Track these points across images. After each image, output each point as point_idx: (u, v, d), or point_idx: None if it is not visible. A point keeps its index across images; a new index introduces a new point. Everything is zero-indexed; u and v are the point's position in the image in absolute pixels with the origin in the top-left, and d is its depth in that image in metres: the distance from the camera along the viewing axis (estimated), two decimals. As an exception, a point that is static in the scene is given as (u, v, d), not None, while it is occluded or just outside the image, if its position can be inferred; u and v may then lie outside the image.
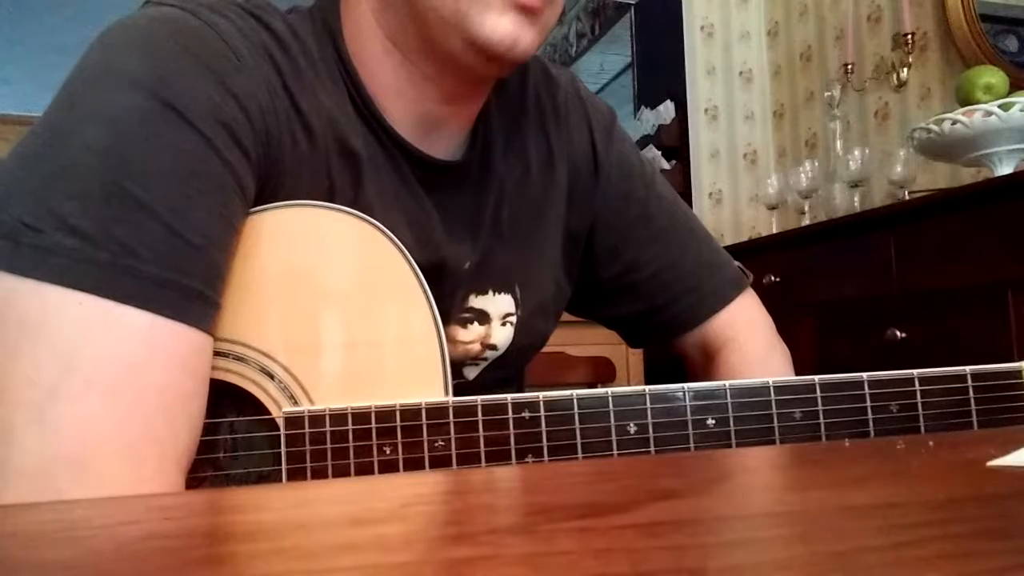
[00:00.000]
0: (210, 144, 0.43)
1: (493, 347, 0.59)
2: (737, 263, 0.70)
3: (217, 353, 0.44)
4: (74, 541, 0.22)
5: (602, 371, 1.86)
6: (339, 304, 0.47)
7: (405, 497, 0.28)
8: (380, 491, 0.31)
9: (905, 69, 1.96)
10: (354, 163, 0.51)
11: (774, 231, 2.12)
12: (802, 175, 2.05)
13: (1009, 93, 1.40)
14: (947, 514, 0.22)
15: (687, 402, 0.48)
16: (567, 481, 0.30)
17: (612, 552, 0.18)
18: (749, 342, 0.67)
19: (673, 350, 0.71)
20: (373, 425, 0.45)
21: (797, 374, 0.68)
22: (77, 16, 4.01)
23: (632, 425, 0.48)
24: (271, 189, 0.48)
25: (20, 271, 0.37)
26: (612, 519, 0.22)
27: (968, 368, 0.51)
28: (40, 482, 0.35)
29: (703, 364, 0.69)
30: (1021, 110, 1.31)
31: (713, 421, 0.49)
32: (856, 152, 1.90)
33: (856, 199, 1.93)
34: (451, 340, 0.56)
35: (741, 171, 2.54)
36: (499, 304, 0.59)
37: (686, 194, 2.52)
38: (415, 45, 0.51)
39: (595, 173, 0.65)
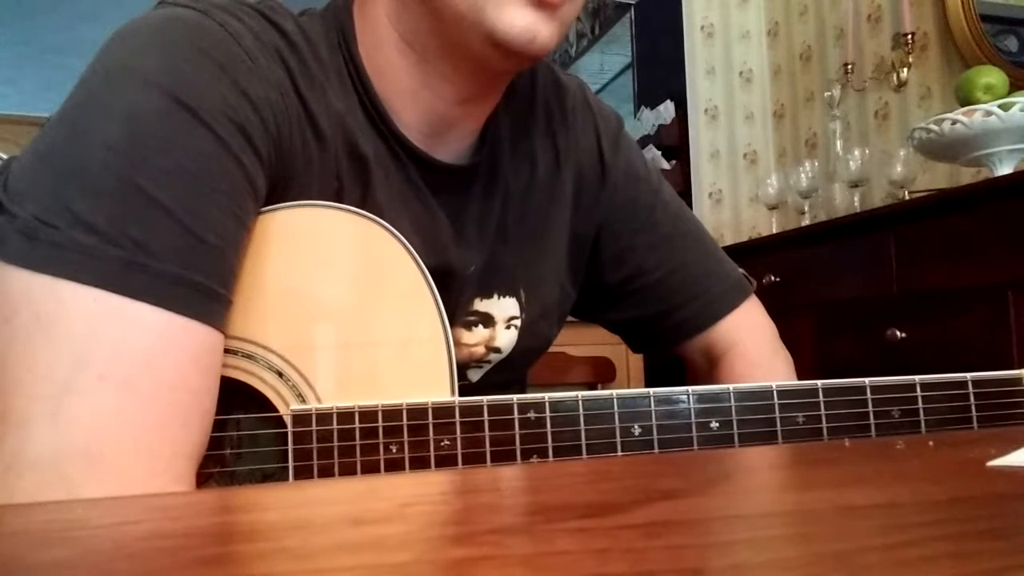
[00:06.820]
0: (224, 144, 0.43)
1: (497, 350, 0.60)
2: (741, 270, 0.70)
3: (227, 351, 0.45)
4: (74, 541, 0.22)
5: (602, 371, 1.86)
6: (347, 304, 0.47)
7: (405, 497, 0.28)
8: (380, 491, 0.31)
9: (905, 69, 1.96)
10: (363, 165, 0.51)
11: (774, 231, 2.12)
12: (802, 175, 2.04)
13: (1009, 93, 1.40)
14: (947, 514, 0.22)
15: (691, 405, 0.49)
16: (567, 481, 0.30)
17: (612, 552, 0.18)
18: (752, 348, 0.67)
19: (676, 354, 0.71)
20: (380, 424, 0.45)
21: (797, 374, 0.68)
22: (77, 16, 4.01)
23: (636, 427, 0.48)
24: (281, 189, 0.48)
25: (35, 267, 0.38)
26: (612, 519, 0.22)
27: (969, 375, 0.52)
28: (53, 474, 0.36)
29: (706, 369, 0.69)
30: (1021, 110, 1.30)
31: (717, 424, 0.49)
32: (856, 152, 1.90)
33: (856, 199, 1.93)
34: (456, 343, 0.56)
35: (741, 171, 2.54)
36: (504, 307, 0.60)
37: (686, 194, 2.52)
38: (431, 44, 0.51)
39: (601, 179, 0.65)
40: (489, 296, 0.59)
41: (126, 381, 0.37)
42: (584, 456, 0.47)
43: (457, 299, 0.57)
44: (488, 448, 0.46)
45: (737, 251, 1.57)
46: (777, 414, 0.49)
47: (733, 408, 0.49)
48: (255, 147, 0.45)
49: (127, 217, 0.39)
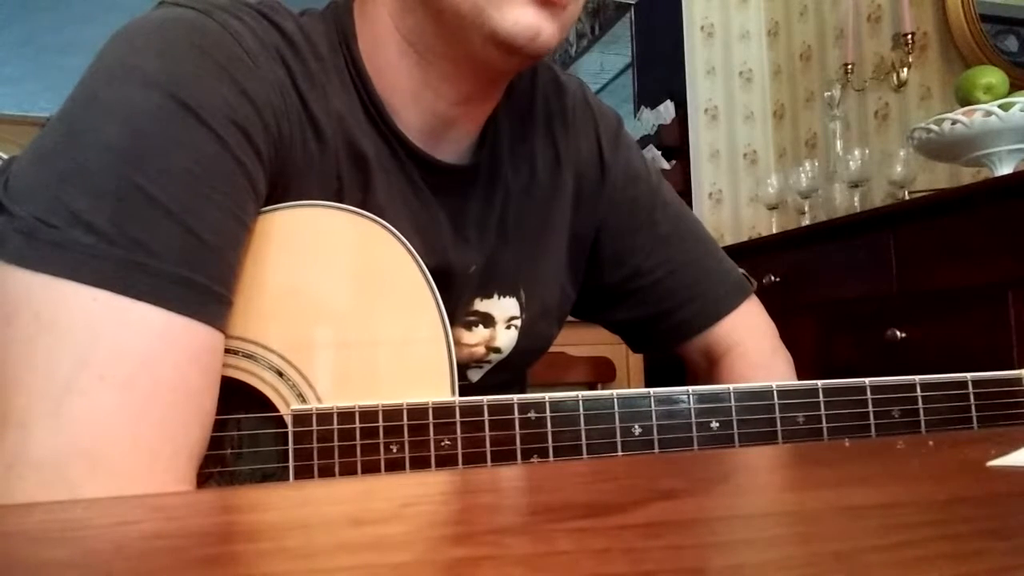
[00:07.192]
0: (224, 145, 0.43)
1: (497, 350, 0.60)
2: (741, 270, 0.70)
3: (227, 351, 0.45)
4: (74, 541, 0.22)
5: (602, 371, 1.87)
6: (348, 304, 0.47)
7: (405, 497, 0.28)
8: (381, 491, 0.31)
9: (905, 69, 1.96)
10: (363, 165, 0.51)
11: (774, 231, 2.12)
12: (802, 175, 2.04)
13: (1009, 93, 1.40)
14: (947, 514, 0.22)
15: (691, 405, 0.49)
16: (567, 481, 0.30)
17: (612, 552, 0.18)
18: (752, 348, 0.67)
19: (676, 354, 0.71)
20: (380, 424, 0.45)
21: (798, 374, 0.68)
22: (77, 16, 4.01)
23: (637, 427, 0.48)
24: (282, 189, 0.48)
25: (36, 266, 0.38)
26: (612, 519, 0.22)
27: (969, 375, 0.52)
28: (54, 474, 0.36)
29: (706, 369, 0.69)
30: (1021, 110, 1.30)
31: (717, 424, 0.49)
32: (856, 152, 1.90)
33: (856, 199, 1.92)
34: (456, 343, 0.57)
35: (741, 171, 2.54)
36: (504, 308, 0.60)
37: (686, 194, 2.52)
38: (433, 44, 0.51)
39: (601, 179, 0.65)
40: (489, 296, 0.59)
41: (126, 381, 0.37)
42: (584, 456, 0.47)
43: (457, 299, 0.57)
44: (488, 448, 0.46)
45: (737, 251, 1.56)
46: (777, 414, 0.49)
47: (733, 408, 0.49)
48: (255, 147, 0.45)
49: (127, 217, 0.39)
